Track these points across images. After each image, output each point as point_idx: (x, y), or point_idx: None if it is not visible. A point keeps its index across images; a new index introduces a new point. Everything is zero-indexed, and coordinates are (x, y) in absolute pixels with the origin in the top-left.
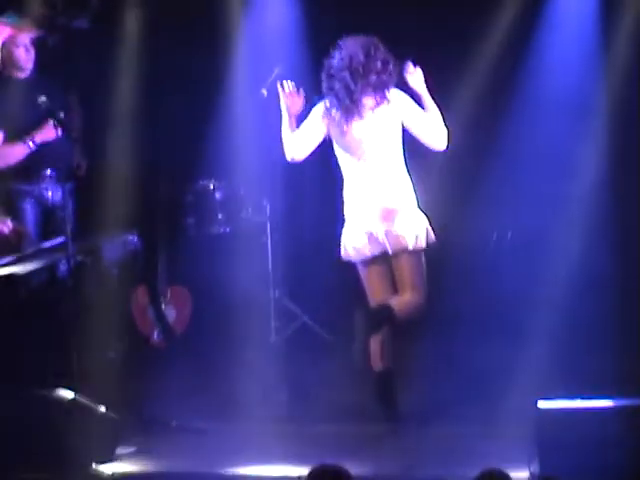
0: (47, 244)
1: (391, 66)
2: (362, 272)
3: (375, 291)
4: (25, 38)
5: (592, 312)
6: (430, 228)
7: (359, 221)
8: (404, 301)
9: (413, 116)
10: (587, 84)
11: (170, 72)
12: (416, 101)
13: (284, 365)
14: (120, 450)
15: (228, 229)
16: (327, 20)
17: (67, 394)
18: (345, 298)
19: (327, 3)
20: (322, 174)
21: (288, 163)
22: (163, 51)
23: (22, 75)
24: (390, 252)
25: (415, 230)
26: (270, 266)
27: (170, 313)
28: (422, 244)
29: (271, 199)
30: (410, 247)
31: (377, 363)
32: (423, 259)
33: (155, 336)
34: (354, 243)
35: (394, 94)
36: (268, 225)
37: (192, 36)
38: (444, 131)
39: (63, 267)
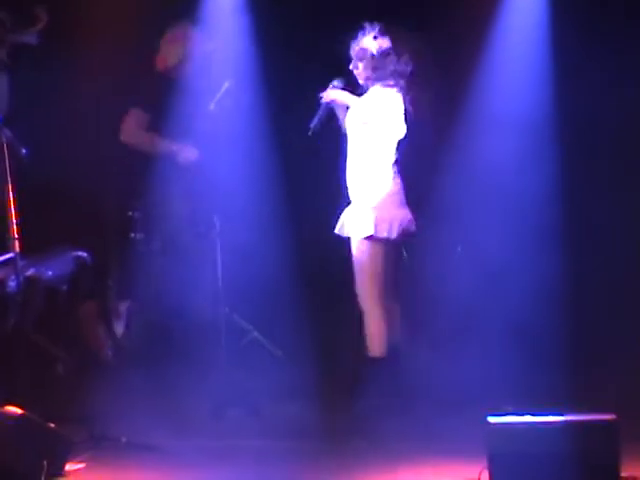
0: None
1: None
2: (373, 251)
3: (383, 271)
4: None
5: (543, 327)
6: None
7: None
8: None
9: None
10: (536, 101)
11: (117, 88)
12: None
13: (235, 380)
14: (69, 466)
15: None
16: (277, 34)
17: (15, 410)
18: (296, 313)
19: (277, 18)
20: (273, 188)
21: (238, 179)
22: (111, 68)
23: None
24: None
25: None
26: (220, 282)
27: (120, 328)
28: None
29: (221, 215)
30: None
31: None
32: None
33: (105, 351)
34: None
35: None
36: (218, 241)
37: (141, 50)
38: None
39: (12, 283)
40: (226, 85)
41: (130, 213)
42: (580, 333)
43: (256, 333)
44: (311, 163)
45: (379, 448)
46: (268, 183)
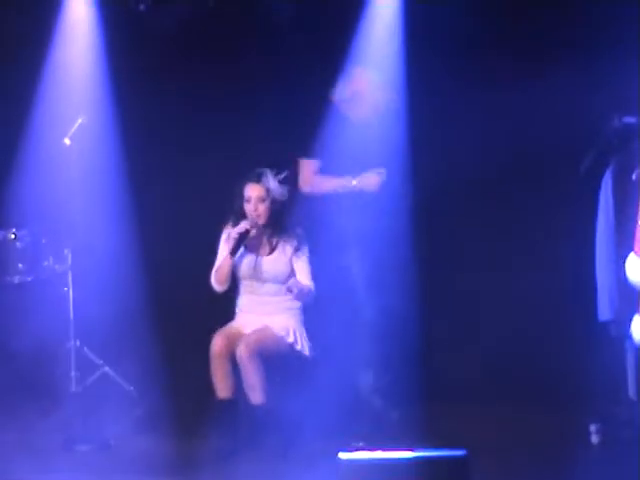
0: None
1: None
2: None
3: None
4: None
5: (394, 360)
6: None
7: None
8: None
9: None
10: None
11: None
12: None
13: (84, 415)
14: None
15: (29, 278)
16: (133, 73)
17: None
18: (149, 348)
19: (135, 57)
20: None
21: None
22: None
23: None
24: None
25: None
26: (71, 315)
27: None
28: None
29: (73, 248)
30: None
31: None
32: None
33: None
34: None
35: None
36: (70, 274)
37: None
38: None
39: None
40: (80, 120)
41: None
42: (430, 366)
43: (107, 368)
44: (170, 198)
45: None
46: (124, 218)
